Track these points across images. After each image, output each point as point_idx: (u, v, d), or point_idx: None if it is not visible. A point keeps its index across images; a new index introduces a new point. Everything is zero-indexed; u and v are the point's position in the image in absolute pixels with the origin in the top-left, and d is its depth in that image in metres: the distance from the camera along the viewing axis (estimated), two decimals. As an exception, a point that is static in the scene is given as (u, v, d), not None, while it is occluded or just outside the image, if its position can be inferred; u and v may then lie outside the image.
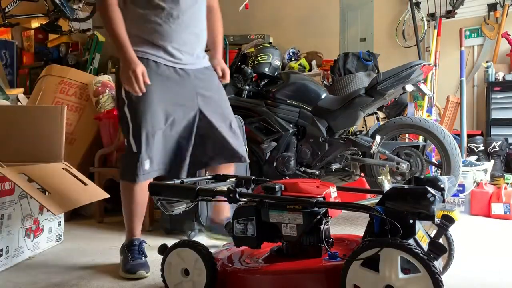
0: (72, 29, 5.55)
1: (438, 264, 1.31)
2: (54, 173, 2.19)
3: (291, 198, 1.45)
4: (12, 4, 5.36)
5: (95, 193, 2.30)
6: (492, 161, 3.45)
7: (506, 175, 3.52)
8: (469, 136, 3.87)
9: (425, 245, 1.31)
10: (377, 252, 1.19)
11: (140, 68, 1.79)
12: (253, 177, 1.81)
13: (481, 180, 3.09)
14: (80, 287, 1.70)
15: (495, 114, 3.87)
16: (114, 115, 2.92)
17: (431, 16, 4.43)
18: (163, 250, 1.58)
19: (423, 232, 1.39)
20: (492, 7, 4.23)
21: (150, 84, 1.82)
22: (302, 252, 1.45)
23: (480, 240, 2.41)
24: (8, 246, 1.95)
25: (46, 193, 1.92)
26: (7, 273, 1.89)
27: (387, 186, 2.35)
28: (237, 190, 1.49)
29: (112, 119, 2.98)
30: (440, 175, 2.61)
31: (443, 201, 1.35)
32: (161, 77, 1.88)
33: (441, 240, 1.49)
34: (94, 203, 2.82)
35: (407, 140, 3.21)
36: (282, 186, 1.50)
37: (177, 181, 1.69)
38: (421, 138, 2.98)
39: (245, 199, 1.52)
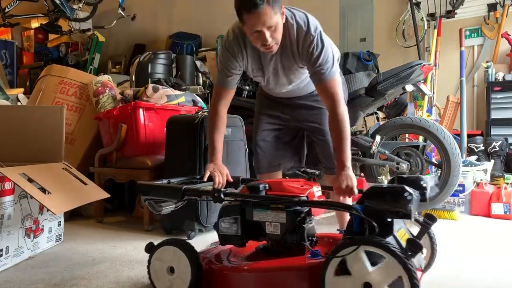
0: (72, 29, 5.54)
1: (418, 261, 1.34)
2: (54, 173, 2.19)
3: (273, 197, 1.47)
4: (12, 4, 5.36)
5: (95, 193, 2.31)
6: (492, 161, 3.44)
7: (506, 175, 3.52)
8: (469, 136, 3.86)
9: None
10: (354, 250, 1.21)
11: (211, 167, 1.77)
12: (241, 177, 1.82)
13: (481, 180, 3.09)
14: (80, 287, 1.71)
15: (495, 114, 3.87)
16: (114, 115, 2.91)
17: (431, 16, 4.42)
18: (150, 248, 1.59)
19: (405, 231, 1.42)
20: (492, 7, 4.22)
21: None
22: (286, 250, 1.48)
23: (480, 240, 2.41)
24: (8, 246, 1.95)
25: (46, 193, 1.91)
26: (7, 273, 1.88)
27: (387, 186, 2.35)
28: (222, 189, 1.52)
29: (112, 119, 2.97)
30: (440, 175, 2.61)
31: (425, 200, 1.38)
32: None
33: (424, 239, 1.51)
34: (94, 203, 2.82)
35: (407, 140, 3.20)
36: (267, 185, 1.52)
37: (165, 181, 1.71)
38: (421, 138, 2.98)
39: (230, 199, 1.54)
